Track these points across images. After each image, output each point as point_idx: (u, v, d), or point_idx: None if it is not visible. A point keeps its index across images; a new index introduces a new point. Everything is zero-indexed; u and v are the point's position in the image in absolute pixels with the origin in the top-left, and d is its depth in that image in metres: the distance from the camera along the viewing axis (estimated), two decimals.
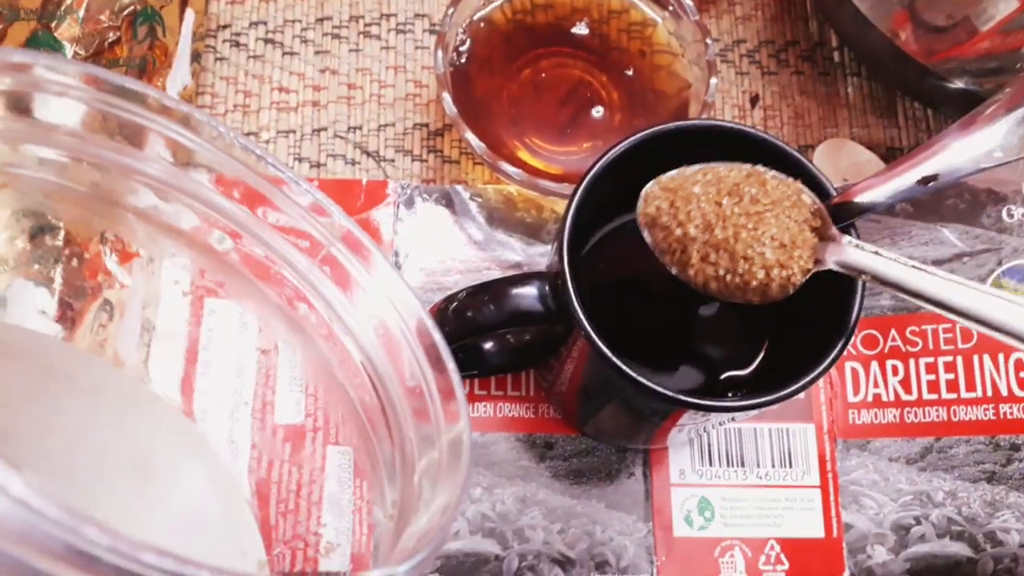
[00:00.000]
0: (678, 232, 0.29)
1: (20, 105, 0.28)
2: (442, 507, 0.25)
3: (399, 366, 0.30)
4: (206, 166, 0.30)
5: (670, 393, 0.29)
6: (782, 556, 0.37)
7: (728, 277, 0.29)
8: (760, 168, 0.31)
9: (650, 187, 0.31)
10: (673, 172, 0.31)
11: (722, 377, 0.35)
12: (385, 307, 0.31)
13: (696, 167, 0.31)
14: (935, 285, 0.27)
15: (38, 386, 0.32)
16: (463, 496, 0.26)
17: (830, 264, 0.29)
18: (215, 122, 0.29)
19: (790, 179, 0.30)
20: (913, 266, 0.28)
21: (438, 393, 0.29)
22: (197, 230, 0.32)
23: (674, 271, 0.30)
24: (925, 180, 0.28)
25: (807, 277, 0.29)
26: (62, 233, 0.35)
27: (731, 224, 0.29)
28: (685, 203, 0.30)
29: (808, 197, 0.30)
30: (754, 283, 0.29)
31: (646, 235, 0.30)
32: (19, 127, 0.28)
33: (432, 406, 0.29)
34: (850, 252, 0.29)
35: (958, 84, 0.39)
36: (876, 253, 0.28)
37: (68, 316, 0.35)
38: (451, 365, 0.29)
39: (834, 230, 0.29)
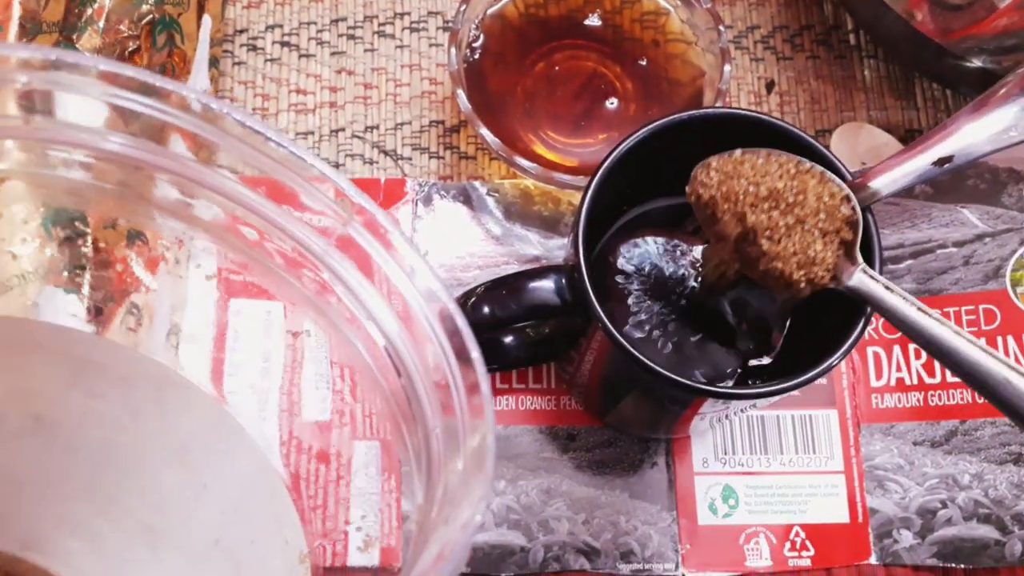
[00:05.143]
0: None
1: (41, 105, 0.28)
2: (463, 522, 0.24)
3: (423, 354, 0.28)
4: (227, 163, 0.30)
5: (688, 382, 0.30)
6: (807, 542, 0.37)
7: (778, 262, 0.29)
8: (807, 165, 0.30)
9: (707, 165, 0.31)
10: (724, 154, 0.31)
11: (742, 364, 0.35)
12: (407, 290, 0.29)
13: (742, 153, 0.30)
14: (941, 334, 0.27)
15: (75, 376, 0.33)
16: (485, 511, 0.24)
17: (844, 285, 0.29)
18: (226, 106, 0.28)
19: (839, 183, 0.30)
20: (921, 309, 0.27)
21: (463, 385, 0.27)
22: (222, 222, 0.31)
23: (730, 222, 0.30)
24: (941, 161, 0.28)
25: (817, 290, 0.30)
26: (90, 240, 0.36)
27: (764, 217, 0.29)
28: (726, 199, 0.30)
29: (849, 208, 0.30)
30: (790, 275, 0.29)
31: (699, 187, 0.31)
32: (41, 127, 0.28)
33: (457, 396, 0.28)
34: (862, 280, 0.29)
35: (976, 63, 0.39)
36: (888, 288, 0.28)
37: (97, 320, 0.36)
38: (476, 355, 0.27)
39: (856, 254, 0.29)
